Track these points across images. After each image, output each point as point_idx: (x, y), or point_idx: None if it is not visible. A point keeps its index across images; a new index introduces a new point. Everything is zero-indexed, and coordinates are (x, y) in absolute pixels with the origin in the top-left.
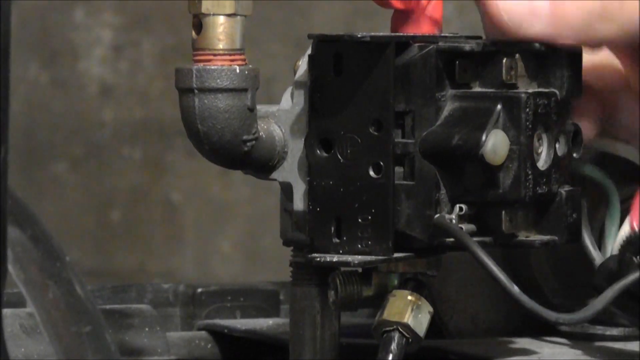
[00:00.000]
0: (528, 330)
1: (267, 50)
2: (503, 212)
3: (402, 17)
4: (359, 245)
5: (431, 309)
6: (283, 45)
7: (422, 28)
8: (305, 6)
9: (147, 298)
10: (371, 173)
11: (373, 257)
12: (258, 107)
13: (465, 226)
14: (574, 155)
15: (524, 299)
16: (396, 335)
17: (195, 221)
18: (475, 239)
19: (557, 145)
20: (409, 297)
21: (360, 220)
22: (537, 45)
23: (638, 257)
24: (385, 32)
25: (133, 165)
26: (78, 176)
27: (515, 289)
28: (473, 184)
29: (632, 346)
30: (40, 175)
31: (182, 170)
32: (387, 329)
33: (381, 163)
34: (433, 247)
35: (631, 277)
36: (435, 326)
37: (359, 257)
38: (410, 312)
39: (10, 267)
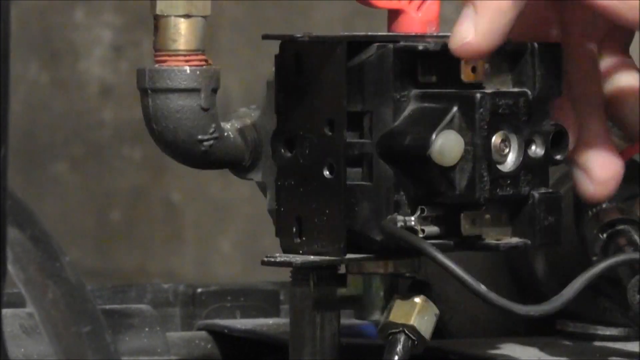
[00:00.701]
0: (528, 330)
1: (267, 50)
2: (462, 215)
3: (391, 17)
4: (316, 246)
5: (437, 311)
6: None
7: (414, 28)
8: (305, 6)
9: (147, 298)
10: (326, 173)
11: (320, 257)
12: (242, 108)
13: (427, 228)
14: (558, 157)
15: (492, 296)
16: (402, 337)
17: (195, 221)
18: (439, 241)
19: (533, 147)
20: (416, 299)
21: (316, 220)
22: (504, 43)
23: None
24: (384, 32)
25: (133, 165)
26: (78, 176)
27: (482, 287)
28: (430, 185)
29: (632, 346)
30: (40, 175)
31: (182, 170)
32: (393, 330)
33: (336, 163)
34: (394, 248)
35: (601, 265)
36: (435, 326)
37: (305, 257)
38: (416, 314)
39: (10, 267)
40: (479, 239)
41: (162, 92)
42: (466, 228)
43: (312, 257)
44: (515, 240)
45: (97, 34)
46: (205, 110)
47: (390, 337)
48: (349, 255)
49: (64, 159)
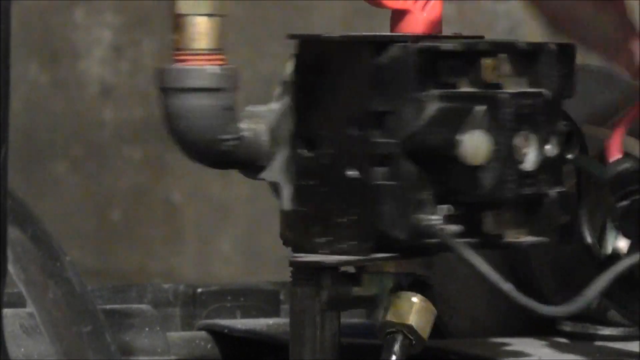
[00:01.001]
0: (528, 330)
1: (267, 50)
2: (487, 213)
3: (397, 17)
4: (341, 245)
5: (435, 311)
6: (283, 45)
7: (419, 28)
8: (305, 6)
9: (148, 298)
10: (351, 173)
11: (348, 257)
12: (249, 107)
13: (450, 227)
14: (569, 156)
15: (517, 295)
16: (400, 337)
17: (195, 221)
18: (464, 240)
19: (548, 146)
20: (414, 299)
21: (342, 220)
22: (521, 44)
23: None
24: (384, 32)
25: (133, 165)
26: (78, 176)
27: (507, 285)
28: (456, 184)
29: (632, 346)
30: (40, 175)
31: (182, 170)
32: (391, 330)
33: (360, 163)
34: (416, 247)
35: (621, 265)
36: (435, 326)
37: (335, 256)
38: (414, 313)
39: (10, 267)
40: (500, 237)
41: (187, 91)
42: (490, 227)
43: (339, 256)
44: (535, 238)
45: (97, 34)
46: (228, 109)
47: (388, 336)
48: (375, 255)
49: (64, 159)
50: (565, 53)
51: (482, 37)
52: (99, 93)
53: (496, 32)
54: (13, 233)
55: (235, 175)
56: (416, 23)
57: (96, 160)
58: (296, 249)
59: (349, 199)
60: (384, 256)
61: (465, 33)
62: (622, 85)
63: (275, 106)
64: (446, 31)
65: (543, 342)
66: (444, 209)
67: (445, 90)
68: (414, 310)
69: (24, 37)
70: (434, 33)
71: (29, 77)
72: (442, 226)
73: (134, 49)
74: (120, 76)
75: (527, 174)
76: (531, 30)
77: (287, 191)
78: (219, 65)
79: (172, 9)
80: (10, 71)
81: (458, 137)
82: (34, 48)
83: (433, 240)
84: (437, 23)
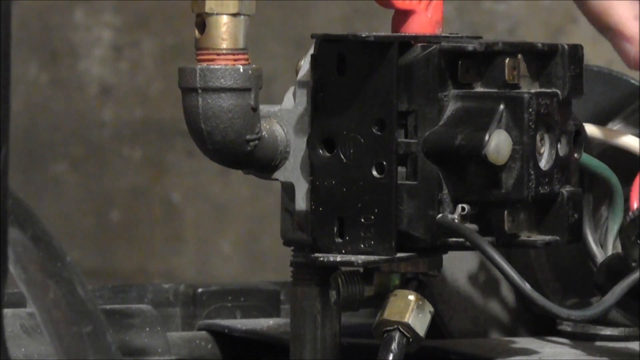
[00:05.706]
0: (528, 330)
1: (267, 50)
2: (505, 212)
3: (402, 17)
4: (362, 245)
5: (432, 309)
6: (283, 45)
7: (423, 28)
8: (305, 6)
9: (148, 298)
10: (374, 173)
11: (376, 257)
12: (260, 107)
13: (467, 226)
14: (575, 155)
15: (536, 296)
16: (397, 335)
17: (195, 221)
18: (485, 238)
19: (558, 146)
20: (410, 297)
21: (362, 220)
22: (539, 45)
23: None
24: (385, 32)
25: (133, 165)
26: (78, 176)
27: (527, 286)
28: (476, 183)
29: (632, 346)
30: (40, 175)
31: (182, 170)
32: (388, 328)
33: (384, 163)
34: (436, 246)
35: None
36: (435, 326)
37: (362, 256)
38: (411, 311)
39: (11, 267)
40: (515, 236)
41: (215, 91)
42: (508, 226)
43: (365, 256)
44: (548, 237)
45: (97, 34)
46: (254, 109)
47: (385, 334)
48: (399, 254)
49: (64, 159)
50: (575, 54)
51: (480, 37)
52: (99, 93)
53: (496, 32)
54: (13, 233)
55: (235, 175)
56: (420, 23)
57: (96, 160)
58: (304, 250)
59: (370, 198)
60: (406, 255)
61: (465, 33)
62: (622, 85)
63: (289, 105)
64: (446, 31)
65: (544, 342)
66: (461, 208)
67: (468, 90)
68: (411, 308)
69: (23, 36)
70: (438, 33)
71: (29, 77)
72: (464, 225)
73: (134, 49)
74: (120, 76)
75: (543, 173)
76: (530, 31)
77: (301, 191)
78: (246, 64)
79: (194, 7)
80: (10, 71)
81: (482, 137)
82: (33, 48)
83: (453, 239)
84: (440, 23)
